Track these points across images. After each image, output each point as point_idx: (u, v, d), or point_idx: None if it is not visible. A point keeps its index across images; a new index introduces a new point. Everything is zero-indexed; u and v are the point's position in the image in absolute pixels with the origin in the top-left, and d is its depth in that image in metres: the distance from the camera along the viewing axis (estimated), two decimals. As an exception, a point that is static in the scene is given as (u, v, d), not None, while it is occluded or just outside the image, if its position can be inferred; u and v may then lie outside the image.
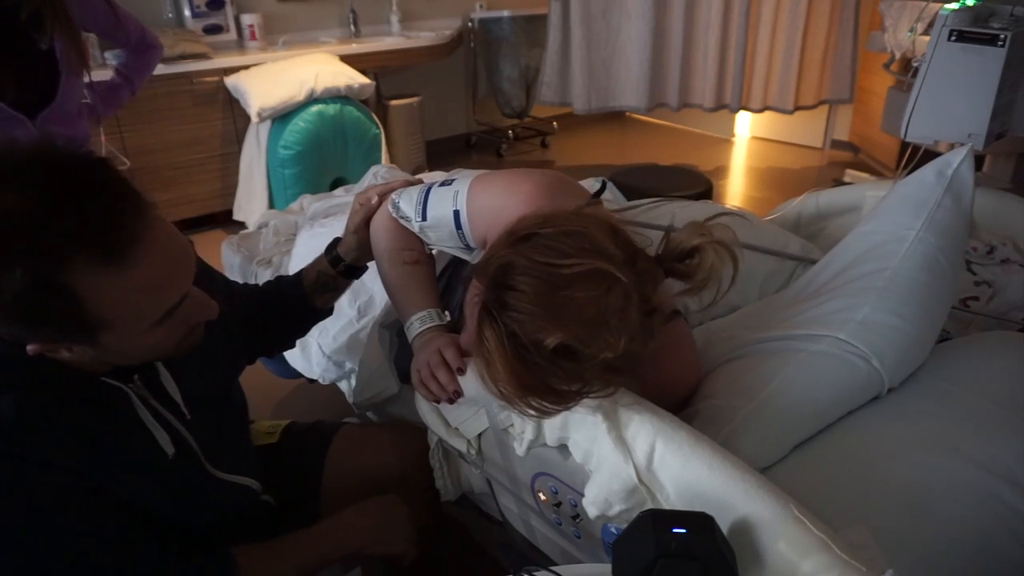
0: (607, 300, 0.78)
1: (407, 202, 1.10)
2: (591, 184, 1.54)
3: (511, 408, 0.84)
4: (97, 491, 0.78)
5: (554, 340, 0.77)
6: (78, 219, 0.67)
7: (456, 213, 1.04)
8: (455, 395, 0.99)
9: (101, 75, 2.94)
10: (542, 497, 0.99)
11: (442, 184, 1.08)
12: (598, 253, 0.80)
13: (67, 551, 0.77)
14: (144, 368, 0.86)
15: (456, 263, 1.32)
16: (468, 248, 1.10)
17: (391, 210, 1.13)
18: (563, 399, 0.82)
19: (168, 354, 0.84)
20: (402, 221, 1.12)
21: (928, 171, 1.16)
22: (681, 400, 1.05)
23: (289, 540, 0.98)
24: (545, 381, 0.80)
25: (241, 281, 1.84)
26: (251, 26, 3.61)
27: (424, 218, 1.08)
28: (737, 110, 4.18)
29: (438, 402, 1.03)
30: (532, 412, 0.83)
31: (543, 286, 0.78)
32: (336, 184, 3.23)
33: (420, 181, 1.19)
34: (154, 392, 0.88)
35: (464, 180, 1.06)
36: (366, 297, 1.48)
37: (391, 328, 1.44)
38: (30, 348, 0.73)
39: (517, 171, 1.05)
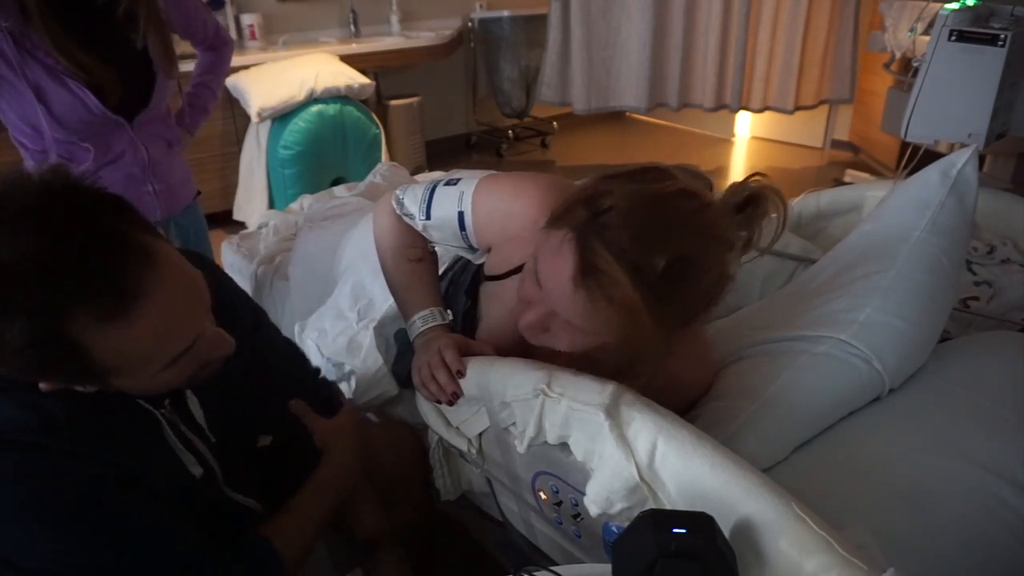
0: (708, 214, 0.78)
1: (411, 200, 1.09)
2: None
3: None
4: (144, 485, 0.79)
5: (667, 256, 0.75)
6: (79, 274, 0.65)
7: (460, 215, 1.04)
8: (454, 396, 0.99)
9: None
10: (543, 496, 0.99)
11: (447, 183, 1.07)
12: (680, 179, 0.80)
13: (120, 540, 0.77)
14: (172, 393, 0.87)
15: (458, 271, 1.31)
16: (471, 248, 1.10)
17: (395, 206, 1.12)
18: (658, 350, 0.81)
19: (183, 385, 0.84)
20: (405, 218, 1.11)
21: (932, 171, 1.16)
22: (690, 402, 1.05)
23: (302, 499, 0.99)
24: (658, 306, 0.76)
25: (247, 282, 1.83)
26: (251, 26, 3.61)
27: (428, 217, 1.07)
28: (737, 110, 4.18)
29: (439, 403, 1.03)
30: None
31: (644, 201, 0.77)
32: (336, 184, 3.23)
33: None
34: (182, 417, 0.89)
35: (470, 181, 1.05)
36: (366, 300, 1.47)
37: (388, 332, 1.44)
38: (42, 386, 0.73)
39: (522, 175, 1.04)
